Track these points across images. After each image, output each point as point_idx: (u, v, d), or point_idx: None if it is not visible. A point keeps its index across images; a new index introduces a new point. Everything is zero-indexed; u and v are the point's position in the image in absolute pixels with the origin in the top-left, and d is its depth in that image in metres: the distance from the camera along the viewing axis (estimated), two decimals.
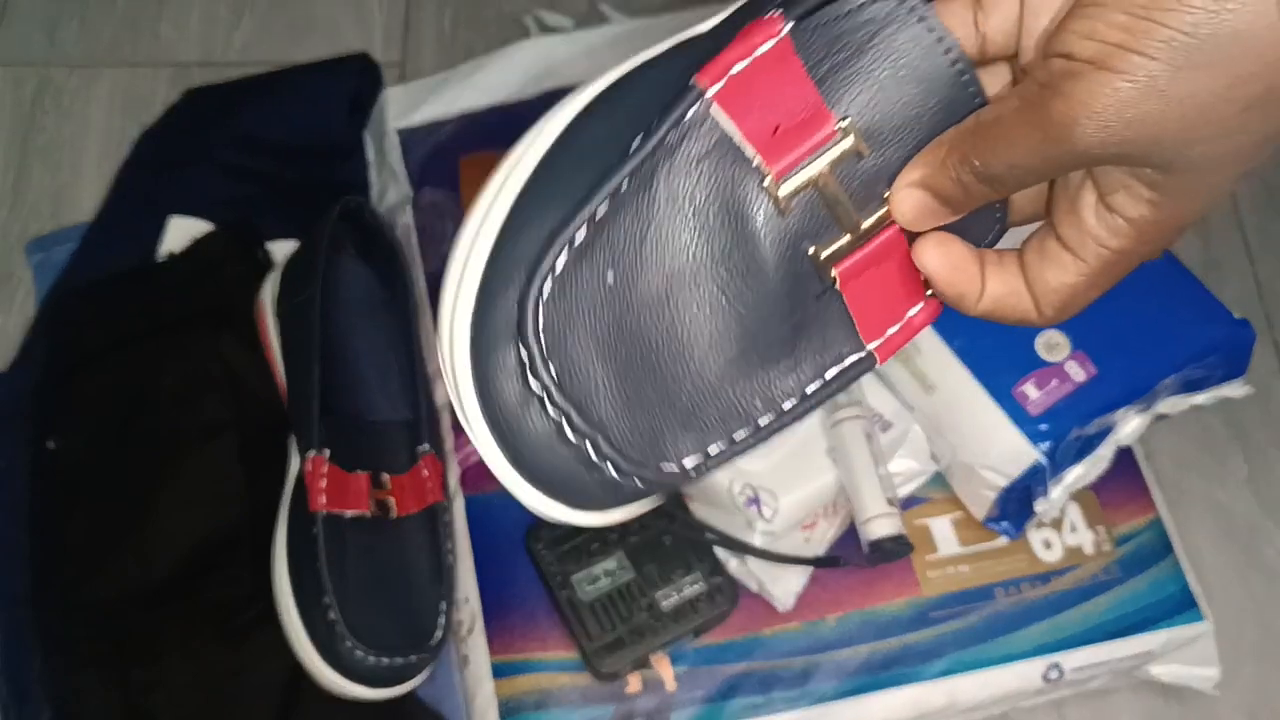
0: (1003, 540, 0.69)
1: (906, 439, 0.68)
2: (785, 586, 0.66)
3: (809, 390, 0.36)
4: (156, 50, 0.94)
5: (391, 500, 0.67)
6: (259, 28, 0.95)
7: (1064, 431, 0.64)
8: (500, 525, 0.69)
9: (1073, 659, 0.67)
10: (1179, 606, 0.69)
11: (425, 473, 0.68)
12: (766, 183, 0.33)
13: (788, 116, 0.33)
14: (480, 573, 0.68)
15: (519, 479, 0.35)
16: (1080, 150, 0.30)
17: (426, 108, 0.83)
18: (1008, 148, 0.31)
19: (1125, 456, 0.71)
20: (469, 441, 0.71)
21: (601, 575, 0.65)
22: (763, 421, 0.35)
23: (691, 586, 0.65)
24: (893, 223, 0.34)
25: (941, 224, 0.34)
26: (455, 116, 0.82)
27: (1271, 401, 0.84)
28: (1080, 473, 0.67)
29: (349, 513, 0.65)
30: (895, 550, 0.63)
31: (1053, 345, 0.66)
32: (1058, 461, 0.64)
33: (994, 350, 0.66)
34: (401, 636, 0.64)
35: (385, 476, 0.67)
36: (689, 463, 0.35)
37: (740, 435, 0.35)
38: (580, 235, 0.33)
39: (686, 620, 0.64)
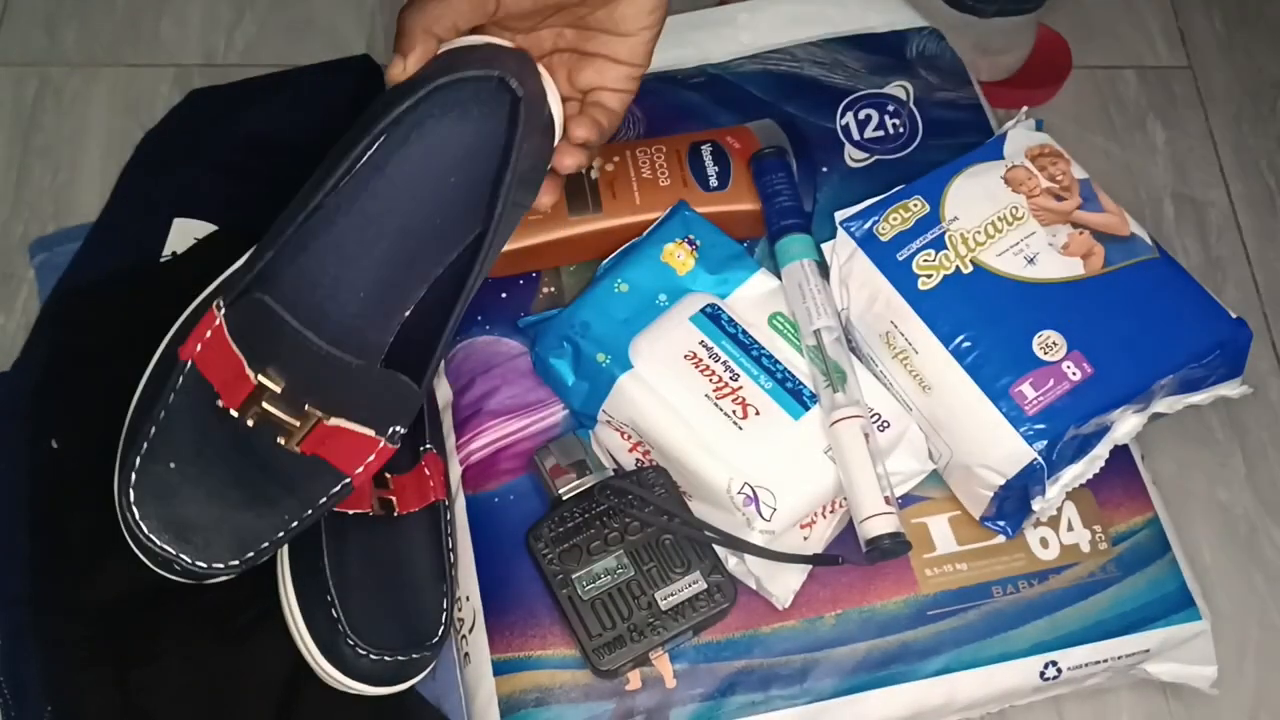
0: (1000, 539, 0.69)
1: (904, 438, 0.68)
2: (784, 584, 0.66)
3: (308, 513, 0.58)
4: (157, 50, 0.94)
5: (394, 499, 0.67)
6: (260, 28, 0.95)
7: (1061, 431, 0.64)
8: (501, 524, 0.69)
9: (1070, 657, 0.67)
10: (1176, 605, 0.69)
11: (427, 471, 0.68)
12: (233, 412, 0.55)
13: (231, 373, 0.55)
14: (481, 570, 0.68)
15: None
16: None
17: None
18: None
19: (1123, 455, 0.71)
20: (471, 440, 0.71)
21: (602, 573, 0.65)
22: (264, 546, 0.57)
23: (691, 585, 0.65)
24: (319, 421, 0.55)
25: None
26: None
27: (1270, 400, 0.84)
28: (1077, 472, 0.67)
29: (351, 511, 0.66)
30: (893, 548, 0.63)
31: (1050, 345, 0.66)
32: (1054, 461, 0.65)
33: (991, 350, 0.66)
34: (403, 635, 0.64)
35: (388, 475, 0.67)
36: (231, 562, 0.57)
37: (250, 555, 0.57)
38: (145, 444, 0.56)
39: (686, 618, 0.64)
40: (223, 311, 0.54)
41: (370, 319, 0.57)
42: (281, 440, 0.55)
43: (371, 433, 0.56)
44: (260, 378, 0.54)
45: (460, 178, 0.55)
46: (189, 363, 0.55)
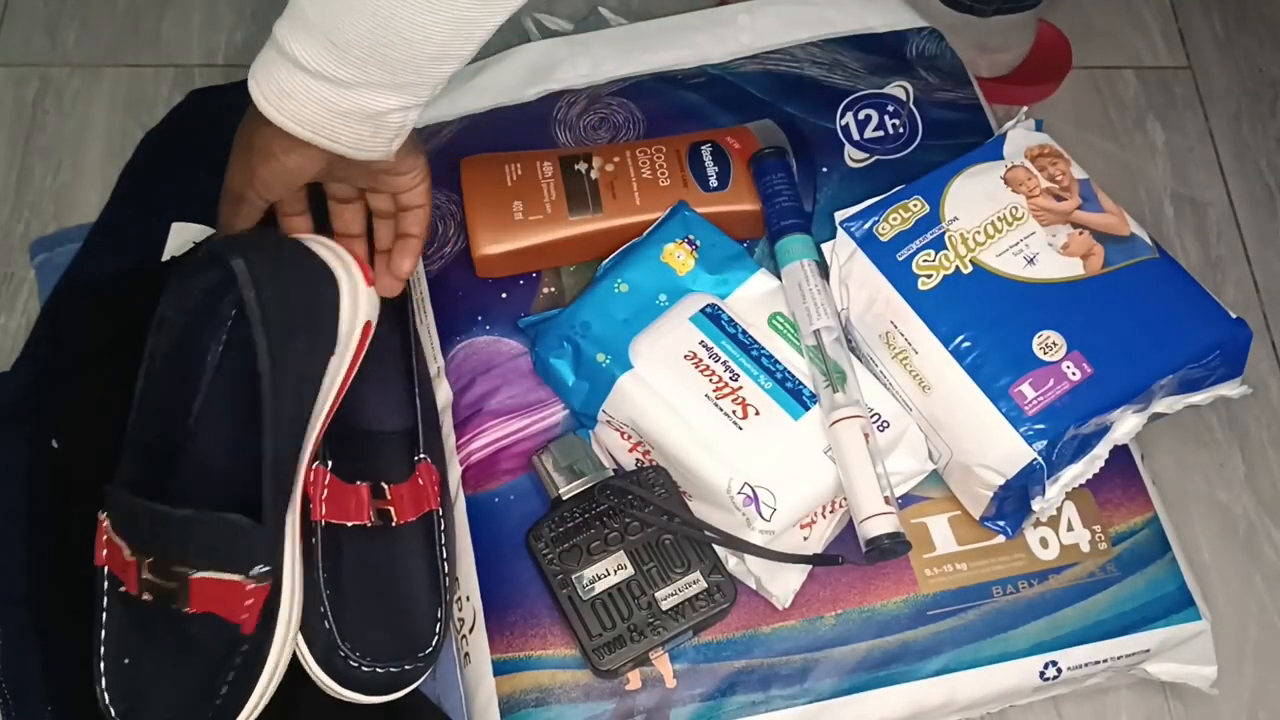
0: (1000, 539, 0.69)
1: (904, 438, 0.68)
2: (784, 584, 0.66)
3: (226, 673, 0.60)
4: (158, 51, 0.94)
5: (392, 509, 0.67)
6: (260, 29, 0.95)
7: (1060, 431, 0.64)
8: (501, 524, 0.69)
9: (1070, 657, 0.67)
10: (1176, 605, 0.69)
11: (421, 481, 0.68)
12: (132, 594, 0.61)
13: (121, 561, 0.61)
14: (481, 571, 0.68)
15: None
16: None
17: (427, 109, 0.83)
18: None
19: (1122, 455, 0.71)
20: (471, 440, 0.71)
21: (602, 573, 0.65)
22: (210, 706, 0.61)
23: (691, 585, 0.65)
24: (189, 576, 0.59)
25: None
26: (456, 118, 0.82)
27: (1270, 400, 0.84)
28: (1077, 472, 0.67)
29: (350, 523, 0.66)
30: (893, 548, 0.63)
31: (1050, 345, 0.66)
32: (1054, 461, 0.65)
33: (991, 350, 0.66)
34: (397, 645, 0.64)
35: (385, 486, 0.67)
36: None
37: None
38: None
39: (686, 618, 0.64)
40: (105, 514, 0.63)
41: (221, 475, 0.63)
42: (175, 606, 0.60)
43: (238, 577, 0.60)
44: (135, 556, 0.61)
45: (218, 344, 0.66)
46: (104, 568, 0.63)
